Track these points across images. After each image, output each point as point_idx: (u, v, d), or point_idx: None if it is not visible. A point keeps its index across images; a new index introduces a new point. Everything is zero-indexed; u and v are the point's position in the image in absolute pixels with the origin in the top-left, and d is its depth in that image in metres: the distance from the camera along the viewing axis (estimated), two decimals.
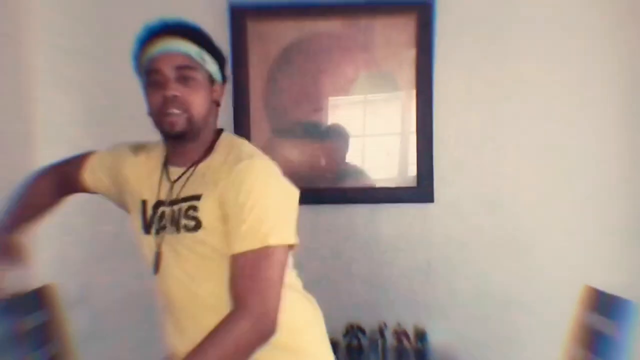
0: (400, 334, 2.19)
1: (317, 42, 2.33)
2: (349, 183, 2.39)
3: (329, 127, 2.37)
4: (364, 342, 2.16)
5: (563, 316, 2.05)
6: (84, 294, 2.31)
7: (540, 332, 2.28)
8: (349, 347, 2.15)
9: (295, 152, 2.37)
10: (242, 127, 2.31)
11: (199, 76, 1.29)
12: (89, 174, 1.50)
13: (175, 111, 1.26)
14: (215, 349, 1.15)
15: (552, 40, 2.32)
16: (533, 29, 2.32)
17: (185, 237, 1.27)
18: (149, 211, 1.36)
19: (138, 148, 1.46)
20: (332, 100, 2.36)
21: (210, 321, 1.18)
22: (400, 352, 2.15)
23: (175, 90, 1.26)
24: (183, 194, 1.30)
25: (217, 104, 1.36)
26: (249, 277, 1.19)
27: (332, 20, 2.33)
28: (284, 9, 2.33)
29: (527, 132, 2.34)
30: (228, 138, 1.39)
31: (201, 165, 1.32)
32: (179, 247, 1.29)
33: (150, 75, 1.28)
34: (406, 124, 2.35)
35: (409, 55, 2.32)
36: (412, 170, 2.34)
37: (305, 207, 2.32)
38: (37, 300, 2.06)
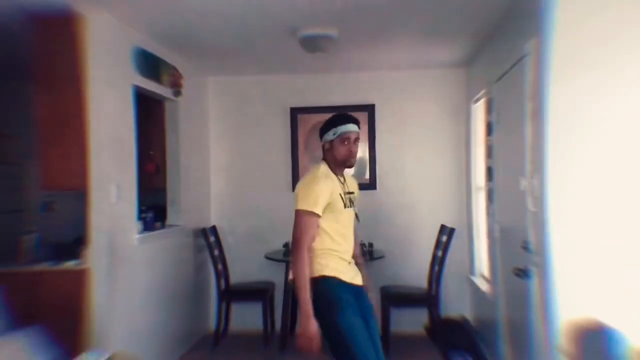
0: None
1: None
2: None
3: None
4: None
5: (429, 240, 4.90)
6: None
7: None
8: None
9: None
10: (295, 169, 5.26)
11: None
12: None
13: (354, 158, 2.70)
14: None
15: None
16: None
17: (352, 209, 2.78)
18: (344, 197, 2.67)
19: (324, 177, 2.62)
20: None
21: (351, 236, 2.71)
22: None
23: (356, 148, 2.67)
24: (348, 189, 2.76)
25: None
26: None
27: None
28: (313, 108, 5.19)
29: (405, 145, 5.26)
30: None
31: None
32: (352, 211, 2.77)
33: (343, 138, 2.62)
34: (366, 154, 5.24)
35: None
36: (368, 173, 5.27)
37: None
38: None
